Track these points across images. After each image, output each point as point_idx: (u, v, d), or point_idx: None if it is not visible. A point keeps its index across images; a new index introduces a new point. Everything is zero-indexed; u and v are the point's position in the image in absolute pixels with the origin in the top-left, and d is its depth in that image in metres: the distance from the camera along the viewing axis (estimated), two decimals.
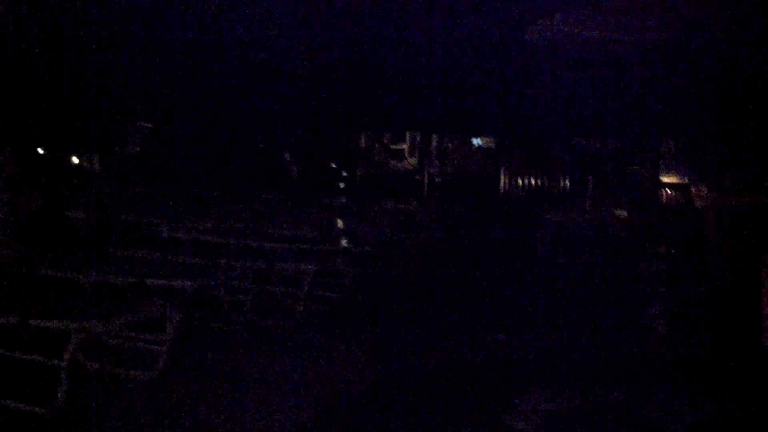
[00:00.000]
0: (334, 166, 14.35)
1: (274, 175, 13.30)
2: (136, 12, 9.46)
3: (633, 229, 12.06)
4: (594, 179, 13.35)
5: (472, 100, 10.92)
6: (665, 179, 12.56)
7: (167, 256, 9.17)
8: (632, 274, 11.07)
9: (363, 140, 15.95)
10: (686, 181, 12.27)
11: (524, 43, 9.36)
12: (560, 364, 7.46)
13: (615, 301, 10.00)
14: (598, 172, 13.34)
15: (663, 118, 10.76)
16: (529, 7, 8.99)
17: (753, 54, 8.84)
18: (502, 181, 14.21)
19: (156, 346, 6.92)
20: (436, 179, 15.62)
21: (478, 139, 15.31)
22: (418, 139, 16.06)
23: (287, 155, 13.76)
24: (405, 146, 16.42)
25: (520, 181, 14.03)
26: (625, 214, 12.45)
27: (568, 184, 13.42)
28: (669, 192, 12.41)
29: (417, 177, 15.69)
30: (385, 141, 16.31)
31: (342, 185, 13.93)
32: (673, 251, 11.32)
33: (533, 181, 13.86)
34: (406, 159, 16.32)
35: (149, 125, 12.75)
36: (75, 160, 11.91)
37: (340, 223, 12.24)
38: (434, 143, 16.06)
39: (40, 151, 11.49)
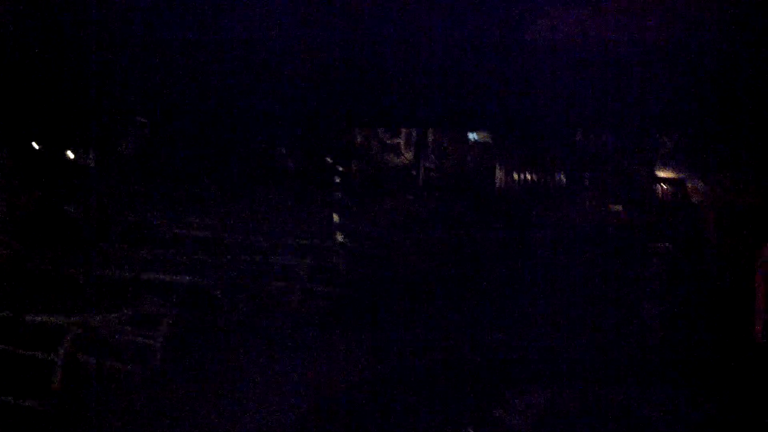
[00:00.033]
0: (329, 161, 14.32)
1: (269, 171, 13.29)
2: (133, 7, 9.46)
3: (629, 224, 12.07)
4: (591, 175, 13.35)
5: (468, 94, 10.92)
6: (661, 175, 12.56)
7: (164, 252, 9.18)
8: (628, 269, 11.09)
9: (359, 135, 15.94)
10: (682, 176, 12.27)
11: (521, 38, 9.37)
12: (556, 360, 7.48)
13: (611, 297, 10.02)
14: (594, 169, 13.33)
15: (662, 115, 10.77)
16: (529, 5, 9.01)
17: (753, 52, 8.87)
18: (498, 176, 14.20)
19: (152, 342, 6.94)
20: (432, 174, 15.63)
21: (474, 134, 15.30)
22: (413, 134, 16.05)
23: (283, 150, 13.74)
24: (401, 141, 16.41)
25: (516, 177, 14.03)
26: (621, 209, 12.46)
27: (565, 179, 13.42)
28: (665, 188, 12.41)
29: (413, 172, 15.69)
30: (381, 136, 16.31)
31: (338, 180, 13.90)
32: (668, 245, 11.34)
33: (529, 177, 13.87)
34: (402, 154, 16.31)
35: (147, 121, 12.74)
36: (72, 156, 11.88)
37: (335, 218, 12.23)
38: (430, 138, 16.05)
39: (37, 147, 11.47)
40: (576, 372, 7.16)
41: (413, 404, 6.32)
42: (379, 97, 10.95)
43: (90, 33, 9.67)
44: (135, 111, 12.17)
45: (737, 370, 7.10)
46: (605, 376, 7.03)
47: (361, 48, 9.68)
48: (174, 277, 8.14)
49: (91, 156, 12.22)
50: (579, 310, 9.42)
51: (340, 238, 11.24)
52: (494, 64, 9.80)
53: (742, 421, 6.03)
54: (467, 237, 12.21)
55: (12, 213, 9.76)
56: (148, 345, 6.92)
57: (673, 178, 12.40)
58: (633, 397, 6.51)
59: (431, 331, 8.35)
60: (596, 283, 10.49)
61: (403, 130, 16.76)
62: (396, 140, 16.94)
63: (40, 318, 6.42)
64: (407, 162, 16.56)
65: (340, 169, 15.02)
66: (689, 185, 11.99)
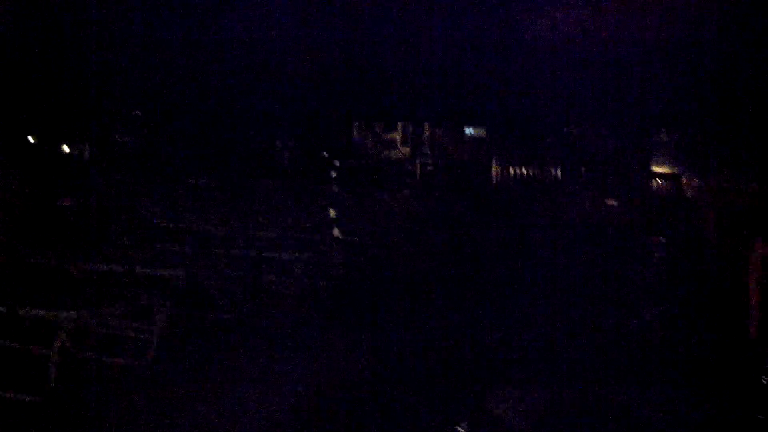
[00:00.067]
0: (326, 155, 14.32)
1: (265, 165, 13.29)
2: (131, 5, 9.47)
3: (624, 218, 12.09)
4: (586, 170, 13.37)
5: (468, 94, 10.94)
6: (657, 169, 12.58)
7: (158, 246, 9.18)
8: (624, 264, 11.10)
9: (355, 129, 15.92)
10: (677, 171, 12.29)
11: (521, 37, 9.38)
12: (552, 357, 7.48)
13: (606, 293, 10.02)
14: (590, 163, 13.35)
15: (657, 110, 10.79)
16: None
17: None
18: (493, 170, 14.21)
19: (146, 335, 6.94)
20: (428, 168, 15.61)
21: (471, 129, 15.29)
22: (410, 128, 16.04)
23: (279, 144, 13.73)
24: (397, 136, 16.39)
25: (512, 171, 14.04)
26: (615, 203, 12.48)
27: (560, 174, 13.43)
28: (660, 182, 12.44)
29: (409, 167, 15.68)
30: (378, 130, 16.29)
31: (334, 174, 13.90)
32: (663, 239, 11.36)
33: (525, 171, 13.87)
34: (398, 148, 16.30)
35: (143, 117, 12.74)
36: (66, 149, 11.88)
37: (331, 212, 12.24)
38: (426, 133, 16.03)
39: (31, 140, 11.46)
40: (572, 368, 7.16)
41: (409, 401, 6.32)
42: (379, 97, 10.96)
43: (88, 30, 9.68)
44: (132, 107, 12.18)
45: (731, 366, 7.12)
46: (601, 373, 7.04)
47: (361, 47, 9.69)
48: (169, 271, 8.12)
49: (87, 151, 12.23)
50: (574, 305, 9.42)
51: (337, 233, 11.25)
52: (494, 64, 9.81)
53: (734, 416, 6.04)
54: (464, 232, 12.21)
55: (7, 208, 9.74)
56: (143, 339, 6.92)
57: (667, 171, 12.44)
58: (627, 392, 6.52)
59: (428, 328, 8.34)
60: (591, 278, 10.50)
61: (400, 126, 16.77)
62: (392, 135, 16.94)
63: (34, 312, 6.41)
64: (404, 156, 16.56)
65: (337, 164, 15.03)
66: (683, 178, 12.03)
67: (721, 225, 9.43)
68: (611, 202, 12.64)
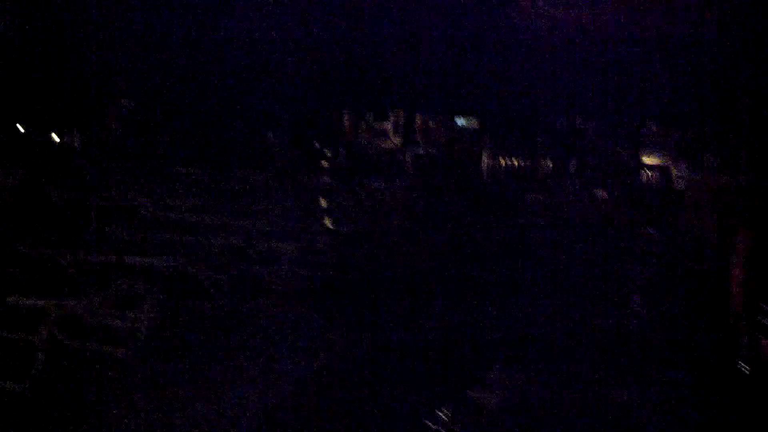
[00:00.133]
0: (317, 144, 14.29)
1: (255, 154, 13.26)
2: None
3: (613, 209, 12.13)
4: (576, 160, 13.39)
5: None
6: (646, 160, 12.60)
7: (147, 235, 9.16)
8: (611, 252, 11.14)
9: (346, 119, 15.90)
10: (666, 161, 12.31)
11: (510, 22, 9.37)
12: (534, 341, 7.52)
13: (593, 281, 10.06)
14: (579, 153, 13.37)
15: (646, 101, 10.81)
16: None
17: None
18: (484, 161, 14.23)
19: (134, 325, 6.94)
20: (420, 158, 15.61)
21: (462, 119, 15.29)
22: (401, 118, 16.02)
23: (269, 134, 13.70)
24: (389, 125, 16.37)
25: (502, 161, 14.05)
26: (605, 194, 12.51)
27: (550, 164, 13.45)
28: (649, 172, 12.46)
29: (400, 156, 15.68)
30: (369, 120, 16.27)
31: (325, 164, 13.89)
32: (651, 231, 11.39)
33: (515, 162, 13.89)
34: (389, 138, 16.28)
35: (132, 105, 12.70)
36: (55, 137, 11.83)
37: (322, 202, 12.23)
38: (418, 122, 16.02)
39: (21, 129, 11.41)
40: (552, 350, 7.21)
41: (391, 382, 6.36)
42: (372, 87, 10.97)
43: (79, 19, 9.64)
44: (122, 96, 12.14)
45: (714, 351, 7.17)
46: (579, 354, 7.09)
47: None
48: (158, 261, 8.12)
49: (77, 140, 12.18)
50: (560, 289, 9.47)
51: (327, 222, 11.25)
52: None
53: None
54: (453, 219, 12.24)
55: None
56: (131, 329, 6.92)
57: (656, 162, 12.47)
58: (603, 374, 6.58)
59: (417, 318, 8.37)
60: (578, 263, 10.55)
61: (391, 116, 16.76)
62: (384, 125, 16.93)
63: (21, 300, 6.41)
64: (395, 146, 16.55)
65: (328, 153, 15.02)
66: (672, 168, 12.06)
67: (707, 214, 9.48)
68: (602, 193, 12.68)
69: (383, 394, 6.17)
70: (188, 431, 5.64)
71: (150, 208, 10.60)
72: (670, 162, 12.18)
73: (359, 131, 16.59)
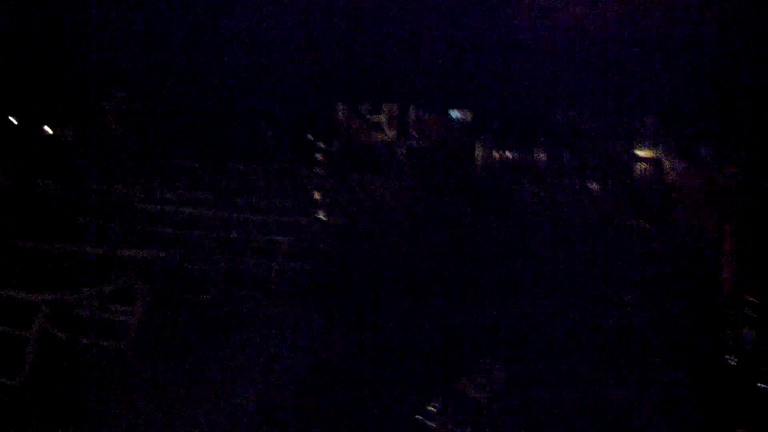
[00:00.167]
0: (311, 137, 14.31)
1: (249, 147, 13.27)
2: None
3: (606, 202, 12.16)
4: (569, 153, 13.42)
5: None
6: (639, 153, 12.64)
7: (139, 228, 9.16)
8: (604, 245, 11.16)
9: (340, 112, 15.90)
10: (659, 155, 12.36)
11: (509, 20, 9.37)
12: (523, 335, 7.54)
13: (585, 274, 10.07)
14: (573, 146, 13.40)
15: (645, 99, 10.83)
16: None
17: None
18: (477, 153, 14.25)
19: (126, 318, 6.94)
20: (415, 151, 15.61)
21: (456, 112, 15.30)
22: (395, 111, 16.03)
23: (263, 126, 13.71)
24: (383, 118, 16.38)
25: (496, 154, 14.07)
26: (597, 187, 12.55)
27: (544, 157, 13.49)
28: (642, 166, 12.51)
29: (395, 149, 15.68)
30: (363, 112, 16.27)
31: (319, 157, 13.90)
32: (645, 225, 11.43)
33: (509, 155, 13.92)
34: (384, 131, 16.28)
35: (127, 98, 12.68)
36: (48, 130, 11.81)
37: (316, 195, 12.24)
38: (412, 115, 16.03)
39: (14, 121, 11.39)
40: (542, 344, 7.23)
41: (380, 375, 6.37)
42: (358, 68, 10.94)
43: (74, 13, 9.61)
44: (116, 89, 12.12)
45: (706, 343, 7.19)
46: (569, 347, 7.10)
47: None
48: (151, 254, 8.10)
49: (70, 133, 12.16)
50: (552, 282, 9.49)
51: (320, 215, 11.26)
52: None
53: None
54: (447, 212, 12.25)
55: None
56: (123, 322, 6.91)
57: (649, 155, 12.52)
58: (593, 366, 6.60)
59: (410, 310, 8.38)
60: (570, 256, 10.57)
61: (385, 108, 16.76)
62: (378, 117, 16.93)
63: (13, 293, 6.40)
64: (389, 139, 16.55)
65: (323, 147, 15.02)
66: (665, 162, 12.11)
67: (698, 207, 9.51)
68: (595, 186, 12.70)
69: (382, 394, 6.18)
70: (183, 426, 5.65)
71: (142, 201, 10.60)
72: (666, 159, 12.23)
73: (356, 127, 16.62)
